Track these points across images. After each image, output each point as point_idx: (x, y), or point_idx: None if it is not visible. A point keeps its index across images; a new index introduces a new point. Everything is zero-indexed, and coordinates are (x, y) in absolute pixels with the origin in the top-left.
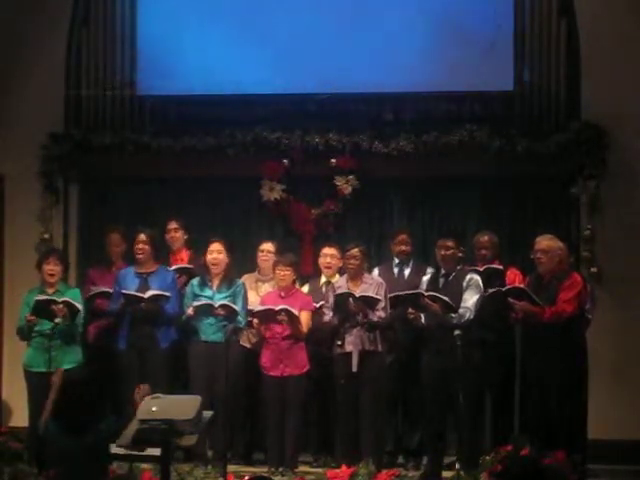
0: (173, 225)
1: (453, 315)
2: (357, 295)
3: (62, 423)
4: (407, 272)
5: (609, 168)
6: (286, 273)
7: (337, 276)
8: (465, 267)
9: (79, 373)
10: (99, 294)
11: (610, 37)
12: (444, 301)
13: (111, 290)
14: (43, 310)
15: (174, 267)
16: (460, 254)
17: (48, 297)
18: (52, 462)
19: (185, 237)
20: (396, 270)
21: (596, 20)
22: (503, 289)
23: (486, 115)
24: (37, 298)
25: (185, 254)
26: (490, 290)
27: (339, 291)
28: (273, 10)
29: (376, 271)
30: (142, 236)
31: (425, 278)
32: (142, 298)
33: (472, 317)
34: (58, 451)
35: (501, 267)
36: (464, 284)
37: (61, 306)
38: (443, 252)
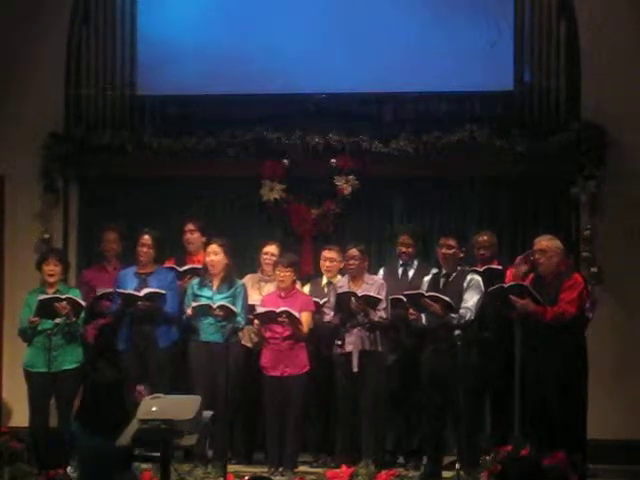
0: (190, 227)
1: (454, 315)
2: (359, 294)
3: (91, 424)
4: (411, 273)
5: (609, 168)
6: (286, 274)
7: (339, 277)
8: (466, 267)
9: (108, 373)
10: (103, 295)
11: (610, 37)
12: (445, 301)
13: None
14: (46, 310)
15: (184, 268)
16: (461, 254)
17: (51, 296)
18: (79, 462)
19: (203, 239)
20: (400, 271)
21: (596, 20)
22: (505, 286)
23: (486, 115)
24: (40, 298)
25: (202, 256)
26: (491, 287)
27: (340, 290)
28: (273, 10)
29: (381, 271)
30: (147, 238)
31: (426, 278)
32: (138, 296)
33: (473, 317)
34: (84, 451)
35: (500, 267)
36: (465, 284)
37: (64, 303)
38: (444, 251)
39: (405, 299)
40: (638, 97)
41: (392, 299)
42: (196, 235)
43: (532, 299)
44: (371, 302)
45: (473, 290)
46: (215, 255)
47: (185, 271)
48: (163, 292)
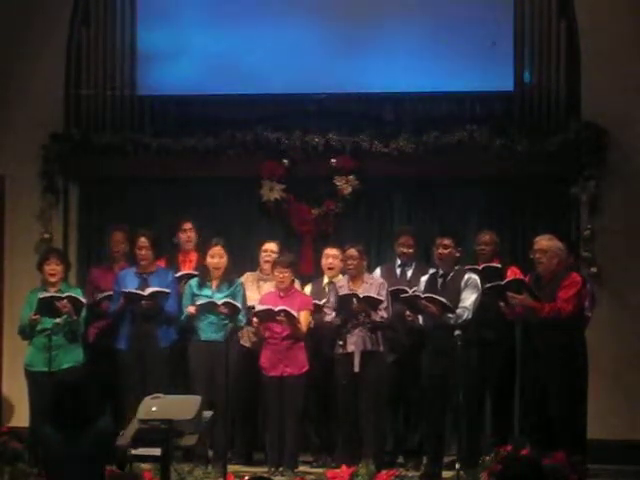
0: (188, 226)
1: (450, 315)
2: (361, 295)
3: (57, 424)
4: (410, 273)
5: (609, 168)
6: (285, 274)
7: (340, 276)
8: (464, 267)
9: (75, 373)
10: (107, 297)
11: (610, 37)
12: (441, 302)
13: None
14: (47, 308)
15: (179, 274)
16: (458, 254)
17: (51, 294)
18: (48, 463)
19: (197, 239)
20: (398, 270)
21: (596, 20)
22: (503, 282)
23: (486, 115)
24: (41, 296)
25: (194, 255)
26: (489, 284)
27: (341, 291)
28: (273, 10)
29: (378, 271)
30: (143, 240)
31: (423, 278)
32: (142, 296)
33: (470, 317)
34: (53, 453)
35: (499, 266)
36: (462, 284)
37: (65, 301)
38: (440, 250)
39: (402, 300)
40: (638, 97)
41: (391, 291)
42: (194, 234)
43: (530, 294)
44: (372, 303)
45: (470, 289)
46: (220, 258)
47: (181, 277)
48: (168, 291)
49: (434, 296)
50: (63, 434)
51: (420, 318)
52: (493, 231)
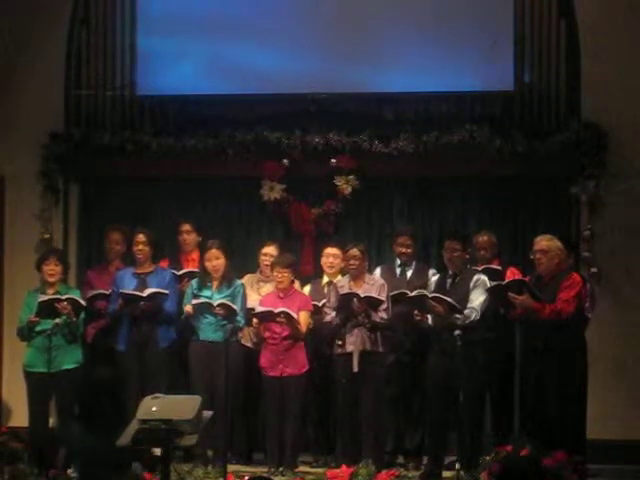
0: (186, 227)
1: (458, 316)
2: (362, 295)
3: (89, 424)
4: (409, 273)
5: (609, 168)
6: (284, 275)
7: (339, 276)
8: (472, 267)
9: (106, 374)
10: (97, 296)
11: (610, 37)
12: (448, 302)
13: (108, 292)
14: (47, 310)
15: (181, 272)
16: (467, 256)
17: (51, 296)
18: (76, 463)
19: (198, 239)
20: (398, 271)
21: (596, 20)
22: (503, 282)
23: (486, 115)
24: (40, 299)
25: (196, 254)
26: (490, 285)
27: (342, 291)
28: (273, 9)
29: (378, 271)
30: (141, 236)
31: (433, 279)
32: (141, 297)
33: (479, 317)
34: (83, 453)
35: (499, 267)
36: (471, 284)
37: (65, 303)
38: (450, 254)
39: (409, 300)
40: (638, 97)
41: (393, 295)
42: (192, 236)
43: (531, 295)
44: (373, 303)
45: (479, 290)
46: (217, 259)
47: (182, 274)
48: (166, 292)
49: (441, 296)
50: (95, 433)
51: (429, 318)
52: (491, 232)
